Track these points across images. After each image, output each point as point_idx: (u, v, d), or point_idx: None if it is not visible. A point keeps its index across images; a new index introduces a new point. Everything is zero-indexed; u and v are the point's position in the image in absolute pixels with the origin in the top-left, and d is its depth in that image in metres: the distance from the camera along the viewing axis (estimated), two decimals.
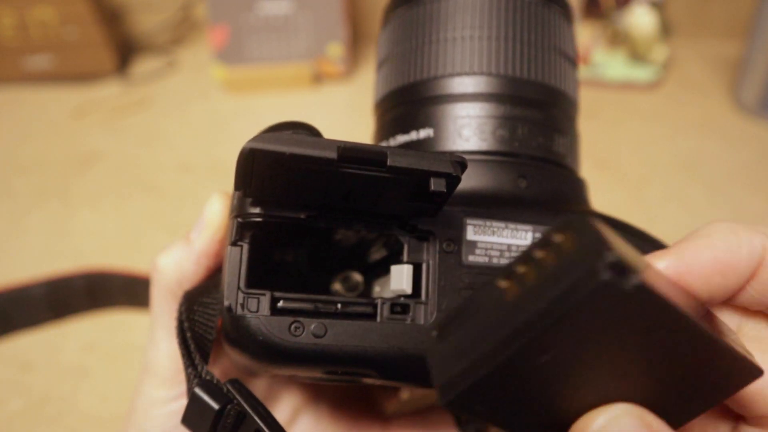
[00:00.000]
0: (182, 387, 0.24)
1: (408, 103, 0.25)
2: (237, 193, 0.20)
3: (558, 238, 0.13)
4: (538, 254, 0.13)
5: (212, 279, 0.24)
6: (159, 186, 0.59)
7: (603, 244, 0.12)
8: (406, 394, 0.29)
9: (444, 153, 0.19)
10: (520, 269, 0.13)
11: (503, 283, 0.13)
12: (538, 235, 0.21)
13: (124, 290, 0.47)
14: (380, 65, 0.28)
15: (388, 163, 0.17)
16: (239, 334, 0.19)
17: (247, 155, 0.17)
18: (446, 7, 0.25)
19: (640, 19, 0.66)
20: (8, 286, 0.46)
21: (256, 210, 0.19)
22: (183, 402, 0.23)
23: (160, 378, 0.24)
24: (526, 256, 0.13)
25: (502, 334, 0.13)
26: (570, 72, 0.26)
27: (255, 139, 0.17)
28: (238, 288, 0.19)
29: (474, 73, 0.24)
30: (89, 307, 0.47)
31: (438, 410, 0.30)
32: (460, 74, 0.24)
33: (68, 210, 0.57)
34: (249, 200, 0.19)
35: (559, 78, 0.25)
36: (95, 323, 0.47)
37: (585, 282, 0.12)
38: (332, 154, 0.17)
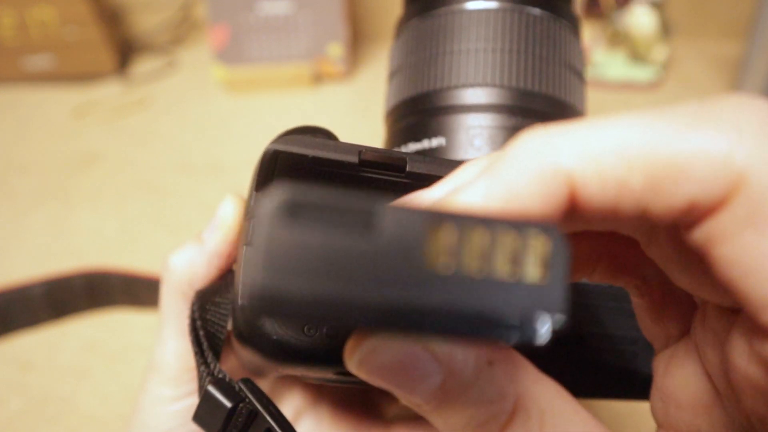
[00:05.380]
0: (188, 386, 0.24)
1: (421, 112, 0.26)
2: (255, 194, 0.20)
3: (535, 240, 0.10)
4: (505, 240, 0.10)
5: (224, 279, 0.24)
6: (159, 186, 0.59)
7: (562, 297, 0.10)
8: None
9: (461, 161, 0.19)
10: (474, 242, 0.10)
11: (436, 242, 0.10)
12: None
13: (124, 290, 0.47)
14: (393, 75, 0.28)
15: (408, 168, 0.18)
16: (253, 333, 0.19)
17: (270, 157, 0.17)
18: (460, 20, 0.25)
19: (640, 19, 0.66)
20: (7, 286, 0.46)
21: None
22: (189, 401, 0.23)
23: (166, 376, 0.24)
24: (490, 231, 0.10)
25: (398, 302, 0.10)
26: (578, 85, 0.26)
27: (278, 140, 0.18)
28: None
29: (487, 85, 0.25)
30: (89, 306, 0.47)
31: None
32: (473, 85, 0.25)
33: (68, 210, 0.57)
34: None
35: (567, 91, 0.26)
36: (95, 323, 0.47)
37: (527, 326, 0.10)
38: (354, 158, 0.17)
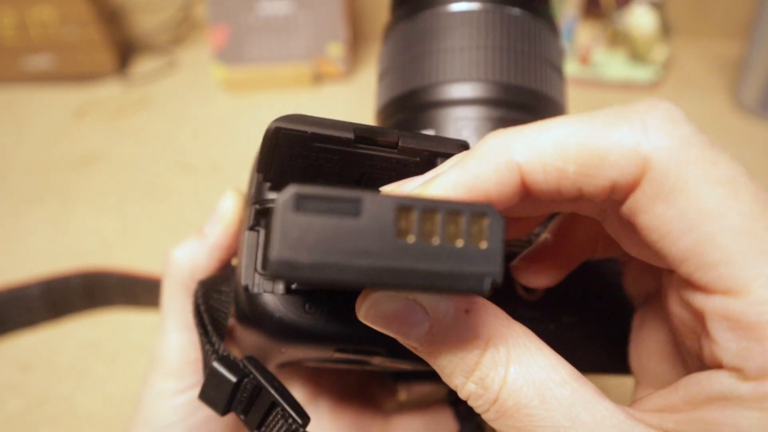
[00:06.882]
0: (191, 378, 0.24)
1: (410, 108, 0.27)
2: (255, 181, 0.21)
3: (475, 217, 0.13)
4: (454, 218, 0.13)
5: (225, 270, 0.25)
6: (159, 186, 0.59)
7: (498, 260, 0.13)
8: (403, 395, 0.30)
9: (449, 138, 0.20)
10: (430, 220, 0.13)
11: (405, 221, 0.13)
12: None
13: (121, 289, 0.47)
14: (382, 76, 0.29)
15: (400, 143, 0.19)
16: (256, 312, 0.20)
17: (272, 134, 0.18)
18: (445, 20, 0.27)
19: (640, 19, 0.66)
20: (4, 286, 0.46)
21: (273, 197, 0.20)
22: (191, 393, 0.24)
23: (168, 370, 0.24)
24: (441, 212, 0.13)
25: (377, 265, 0.13)
26: (556, 79, 0.28)
27: (279, 119, 0.18)
28: (255, 270, 0.20)
29: (472, 80, 0.26)
30: (86, 306, 0.47)
31: (438, 406, 0.30)
32: (459, 80, 0.26)
33: (68, 210, 0.57)
34: (267, 186, 0.20)
35: (546, 85, 0.27)
36: (95, 323, 0.47)
37: (474, 282, 0.13)
38: (349, 134, 0.18)
